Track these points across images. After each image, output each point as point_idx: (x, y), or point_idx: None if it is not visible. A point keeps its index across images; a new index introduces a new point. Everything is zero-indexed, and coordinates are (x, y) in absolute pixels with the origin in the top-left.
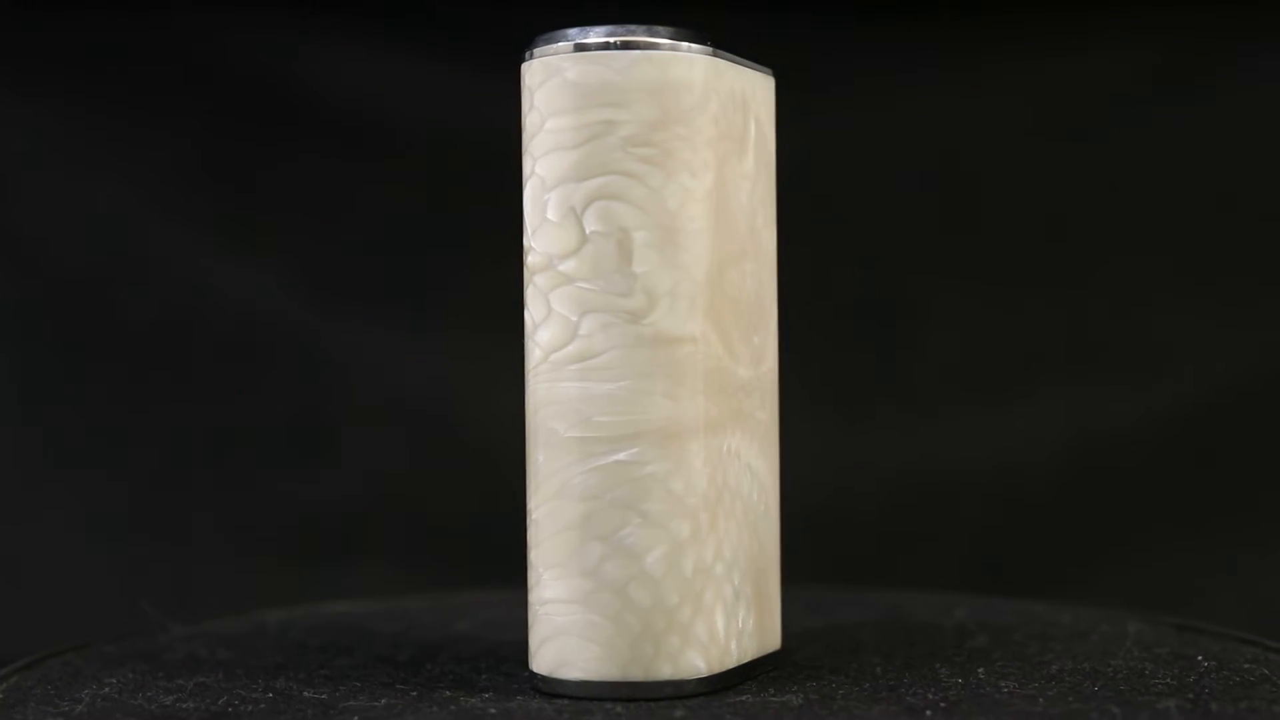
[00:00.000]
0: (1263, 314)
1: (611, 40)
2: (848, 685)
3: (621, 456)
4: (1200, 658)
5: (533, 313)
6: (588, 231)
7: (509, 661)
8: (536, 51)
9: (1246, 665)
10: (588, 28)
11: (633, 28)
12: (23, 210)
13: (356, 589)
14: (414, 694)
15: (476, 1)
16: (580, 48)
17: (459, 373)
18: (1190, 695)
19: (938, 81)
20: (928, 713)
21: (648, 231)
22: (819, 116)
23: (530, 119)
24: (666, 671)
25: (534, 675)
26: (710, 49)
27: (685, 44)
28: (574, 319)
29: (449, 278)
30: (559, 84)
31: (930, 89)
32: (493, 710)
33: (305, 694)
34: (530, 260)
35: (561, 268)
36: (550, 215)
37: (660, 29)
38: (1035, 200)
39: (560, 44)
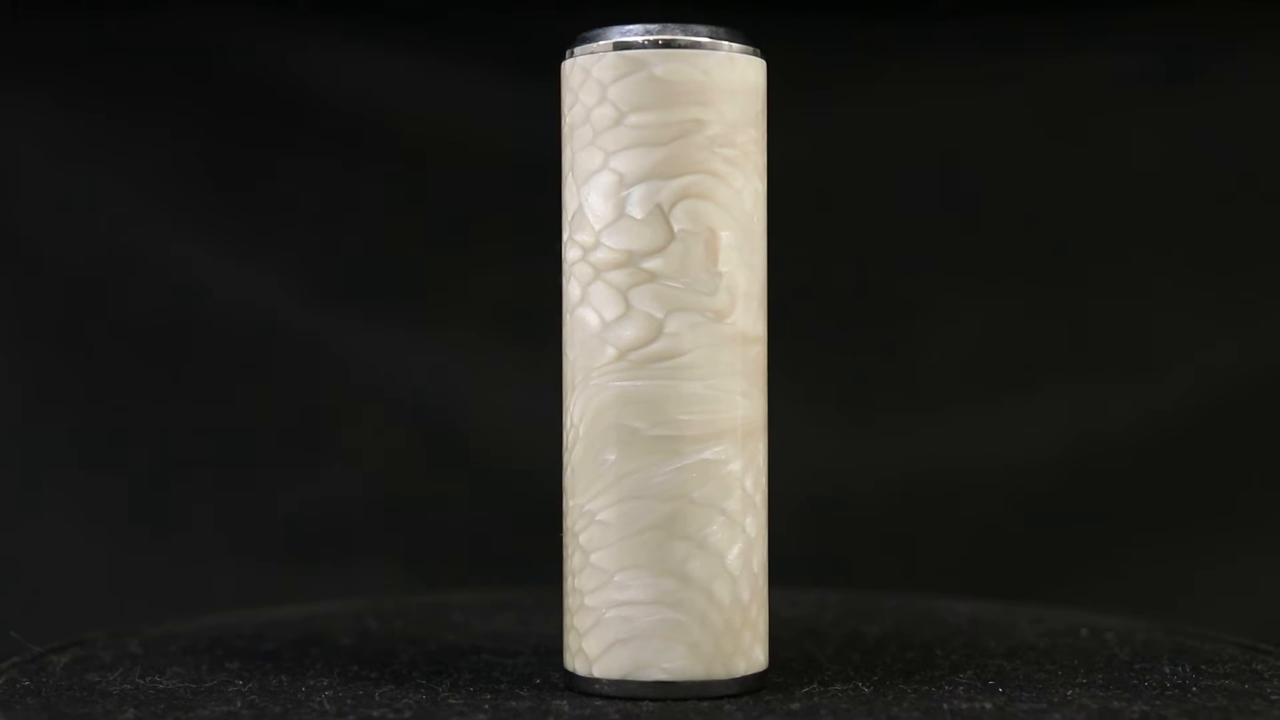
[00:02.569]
0: (1263, 313)
1: (663, 37)
2: (882, 675)
3: (707, 455)
4: (1108, 634)
5: (600, 310)
6: (676, 229)
7: (525, 661)
8: (578, 50)
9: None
10: (654, 24)
11: (704, 28)
12: (23, 210)
13: (356, 589)
14: (457, 700)
15: (477, 2)
16: (650, 44)
17: (459, 373)
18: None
19: (938, 81)
20: (988, 706)
21: (730, 231)
22: (819, 116)
23: (600, 112)
24: (741, 668)
25: (596, 680)
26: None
27: (752, 48)
28: (659, 316)
29: (449, 278)
30: (644, 79)
31: (930, 89)
32: (616, 715)
33: (377, 715)
34: (598, 256)
35: (646, 265)
36: (634, 211)
37: (727, 31)
38: (1035, 200)
39: (602, 41)
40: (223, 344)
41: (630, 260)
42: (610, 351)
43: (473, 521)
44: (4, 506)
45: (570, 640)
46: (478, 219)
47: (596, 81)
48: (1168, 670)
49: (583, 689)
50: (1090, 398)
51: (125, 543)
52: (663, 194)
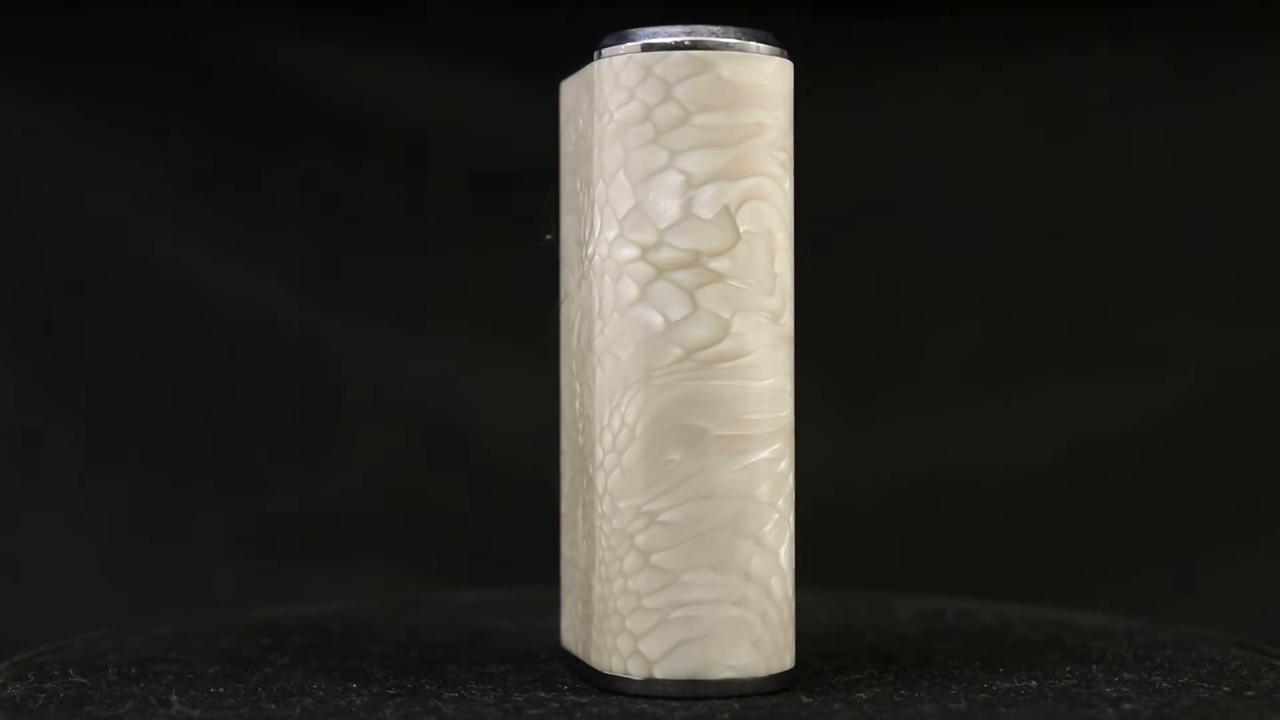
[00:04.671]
0: (1263, 314)
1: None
2: (881, 668)
3: (766, 454)
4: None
5: (664, 310)
6: (741, 231)
7: (515, 666)
8: (610, 49)
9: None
10: (716, 25)
11: (734, 30)
12: (23, 210)
13: (357, 589)
14: (537, 711)
15: (477, 3)
16: (680, 46)
17: (459, 372)
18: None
19: (938, 81)
20: (1032, 684)
21: (783, 234)
22: (819, 117)
23: (664, 111)
24: (788, 661)
25: (659, 681)
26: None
27: (783, 50)
28: (726, 316)
29: (449, 278)
30: (712, 81)
31: (930, 89)
32: (725, 714)
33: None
34: (662, 256)
35: (713, 265)
36: (702, 212)
37: (762, 34)
38: (1035, 200)
39: (630, 43)
40: (223, 344)
41: (697, 260)
42: (676, 351)
43: (473, 521)
44: (4, 506)
45: (619, 643)
46: (477, 219)
47: (660, 80)
48: (1123, 643)
49: (637, 691)
50: (1090, 398)
51: (125, 543)
52: (730, 195)
